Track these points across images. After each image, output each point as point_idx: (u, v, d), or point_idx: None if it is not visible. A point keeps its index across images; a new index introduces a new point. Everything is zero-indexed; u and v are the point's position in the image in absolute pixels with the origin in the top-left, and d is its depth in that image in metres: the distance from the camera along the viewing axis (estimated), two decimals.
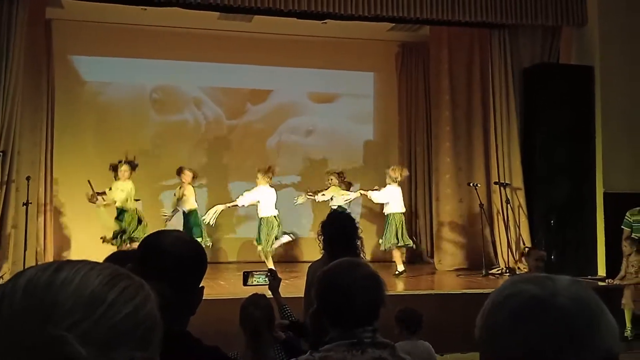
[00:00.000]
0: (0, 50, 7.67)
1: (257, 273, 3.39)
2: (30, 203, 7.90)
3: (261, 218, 8.48)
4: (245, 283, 3.32)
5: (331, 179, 9.00)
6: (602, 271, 8.57)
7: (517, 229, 8.95)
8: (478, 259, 9.14)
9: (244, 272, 3.36)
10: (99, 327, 0.75)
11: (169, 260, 1.70)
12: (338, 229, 3.97)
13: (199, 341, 1.75)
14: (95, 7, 8.55)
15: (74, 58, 10.37)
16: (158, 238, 1.82)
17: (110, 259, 2.15)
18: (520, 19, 8.91)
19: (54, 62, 9.86)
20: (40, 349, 0.71)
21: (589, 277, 8.11)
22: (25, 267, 0.83)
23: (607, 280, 7.89)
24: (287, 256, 9.94)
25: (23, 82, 8.02)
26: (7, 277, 7.48)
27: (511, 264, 8.81)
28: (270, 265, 8.13)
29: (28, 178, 7.91)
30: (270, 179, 8.61)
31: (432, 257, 10.07)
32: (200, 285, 1.77)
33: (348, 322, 2.03)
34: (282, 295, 3.55)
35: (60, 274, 0.77)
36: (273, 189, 8.62)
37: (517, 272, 8.63)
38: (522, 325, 0.92)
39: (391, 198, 8.77)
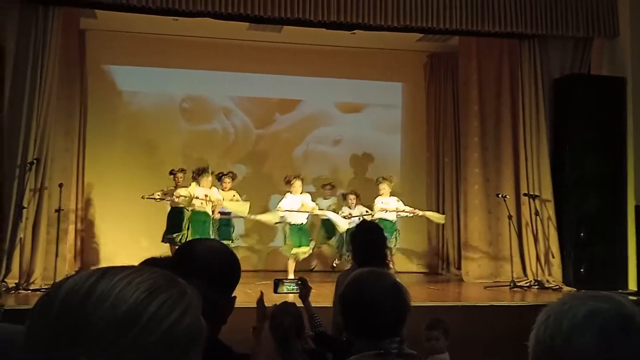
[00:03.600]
0: (35, 59, 7.83)
1: (288, 281, 3.41)
2: (62, 210, 8.03)
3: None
4: (275, 290, 3.33)
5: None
6: (633, 285, 8.44)
7: (546, 241, 8.86)
8: (505, 271, 9.06)
9: (274, 280, 3.37)
10: (135, 346, 0.72)
11: (201, 269, 1.72)
12: (367, 239, 3.99)
13: (230, 349, 1.78)
14: (127, 18, 8.71)
15: (106, 67, 10.56)
16: (192, 246, 1.86)
17: (145, 264, 2.19)
18: (550, 29, 8.86)
19: (87, 71, 10.07)
20: None
21: (619, 291, 7.98)
22: (62, 275, 0.82)
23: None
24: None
25: (57, 91, 8.18)
26: (38, 282, 7.61)
27: (539, 277, 8.71)
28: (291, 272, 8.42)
29: (60, 185, 8.04)
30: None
31: (459, 268, 10.00)
32: (232, 295, 1.80)
33: (373, 333, 2.04)
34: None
35: (98, 287, 0.75)
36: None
37: (546, 285, 8.55)
38: (614, 344, 0.92)
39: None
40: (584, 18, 8.89)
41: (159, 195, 8.99)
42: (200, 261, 1.74)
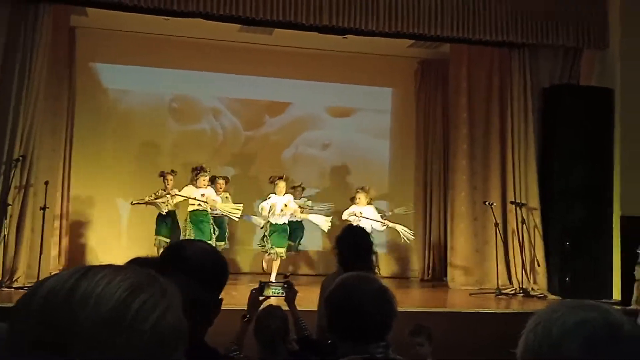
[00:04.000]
0: (24, 56, 7.78)
1: (274, 284, 3.40)
2: (48, 208, 7.97)
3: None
4: (261, 293, 3.32)
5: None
6: (617, 295, 8.49)
7: (532, 249, 8.90)
8: (491, 278, 9.09)
9: (260, 283, 3.36)
10: (119, 347, 0.72)
11: (193, 269, 1.71)
12: (353, 243, 3.99)
13: (216, 351, 1.77)
14: (118, 16, 8.66)
15: (96, 66, 10.49)
16: (181, 246, 1.84)
17: (132, 263, 2.17)
18: (540, 39, 8.92)
19: (76, 69, 10.01)
20: None
21: (604, 300, 8.03)
22: (46, 273, 0.81)
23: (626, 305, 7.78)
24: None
25: (44, 88, 8.12)
26: (21, 280, 7.54)
27: (525, 285, 8.75)
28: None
29: (46, 183, 7.98)
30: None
31: (444, 275, 10.02)
32: (219, 297, 1.79)
33: (359, 337, 2.03)
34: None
35: (79, 287, 0.74)
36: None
37: (531, 293, 8.58)
38: (599, 353, 0.92)
39: None
40: (575, 29, 8.96)
41: (149, 198, 8.93)
42: (192, 262, 1.73)
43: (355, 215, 8.86)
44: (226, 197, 9.23)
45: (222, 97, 11.07)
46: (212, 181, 9.13)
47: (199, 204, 8.68)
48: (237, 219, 9.19)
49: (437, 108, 11.11)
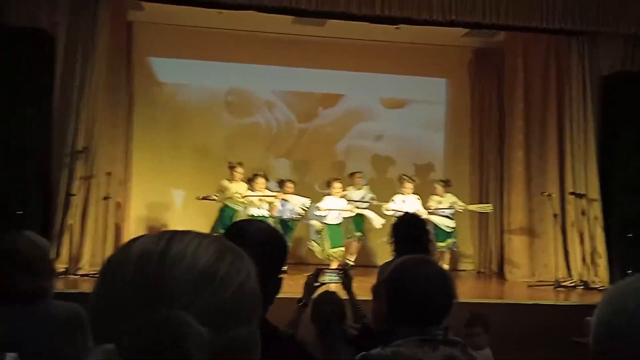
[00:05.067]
0: (84, 51, 8.02)
1: (329, 271, 3.42)
2: (110, 198, 8.21)
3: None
4: (316, 280, 3.35)
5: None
6: None
7: (592, 241, 8.70)
8: (549, 270, 8.93)
9: (315, 270, 3.40)
10: (212, 304, 0.74)
11: (253, 248, 1.73)
12: (407, 231, 3.98)
13: (277, 329, 1.81)
14: (173, 10, 8.83)
15: (152, 59, 10.71)
16: (242, 226, 1.89)
17: None
18: (600, 26, 8.68)
19: (134, 63, 10.25)
20: (157, 327, 0.70)
21: None
22: (135, 238, 0.83)
23: None
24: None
25: (104, 82, 8.36)
26: (86, 267, 7.80)
27: (585, 277, 8.56)
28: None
29: (108, 174, 8.22)
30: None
31: (502, 266, 9.87)
32: (279, 276, 1.82)
33: (419, 320, 2.03)
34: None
35: (172, 247, 0.77)
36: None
37: (592, 286, 8.39)
38: None
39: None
40: (635, 14, 8.68)
41: (216, 196, 8.87)
42: (253, 240, 1.76)
43: (395, 204, 8.99)
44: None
45: (275, 90, 11.14)
46: (282, 184, 9.14)
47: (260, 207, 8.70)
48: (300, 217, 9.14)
49: (492, 99, 10.93)
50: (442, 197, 9.35)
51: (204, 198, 8.85)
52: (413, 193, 9.13)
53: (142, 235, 0.82)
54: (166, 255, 0.76)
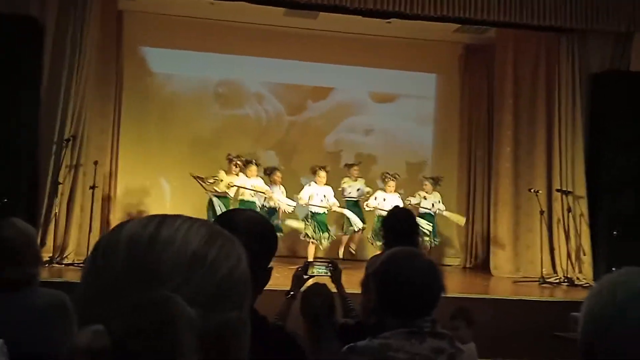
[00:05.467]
0: (73, 39, 7.97)
1: (318, 263, 3.42)
2: (97, 187, 8.17)
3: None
4: (305, 273, 3.34)
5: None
6: None
7: (578, 238, 8.76)
8: (535, 267, 8.98)
9: (304, 262, 3.39)
10: (202, 287, 0.74)
11: (242, 238, 1.72)
12: (396, 224, 3.98)
13: (265, 319, 1.80)
14: (165, 0, 8.77)
15: (142, 49, 10.64)
16: (231, 216, 1.87)
17: None
18: (590, 23, 8.71)
19: (124, 52, 10.18)
20: (146, 308, 0.69)
21: None
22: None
23: None
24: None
25: (94, 71, 8.30)
26: (71, 257, 7.76)
27: (569, 274, 8.62)
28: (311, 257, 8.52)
29: (95, 163, 8.17)
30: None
31: (487, 262, 9.92)
32: (269, 266, 1.81)
33: (407, 312, 2.04)
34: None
35: (162, 231, 0.76)
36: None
37: (576, 282, 8.46)
38: None
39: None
40: (625, 12, 8.72)
41: (209, 182, 8.88)
42: (242, 230, 1.75)
43: (376, 200, 9.13)
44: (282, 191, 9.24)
45: (266, 82, 11.12)
46: (270, 173, 9.21)
47: (252, 195, 8.75)
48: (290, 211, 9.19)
49: (482, 94, 10.97)
50: (428, 194, 9.42)
51: (197, 177, 8.85)
52: (395, 191, 9.31)
53: (131, 219, 0.81)
54: (156, 238, 0.76)
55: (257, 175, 9.04)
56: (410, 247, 2.43)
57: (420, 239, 4.08)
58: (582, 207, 8.84)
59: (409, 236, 3.92)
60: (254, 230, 1.77)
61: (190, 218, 0.81)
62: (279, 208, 9.07)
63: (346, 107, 11.32)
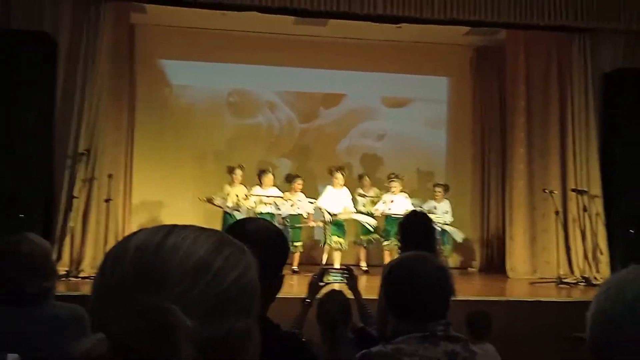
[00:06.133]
0: (86, 53, 8.04)
1: (334, 271, 3.42)
2: (111, 200, 8.22)
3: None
4: (321, 280, 3.35)
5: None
6: None
7: (594, 238, 8.70)
8: (551, 267, 8.92)
9: (320, 269, 3.40)
10: (205, 296, 0.75)
11: (253, 246, 1.74)
12: (412, 228, 3.98)
13: (279, 327, 1.81)
14: (175, 12, 8.85)
15: (155, 62, 10.71)
16: (243, 225, 1.89)
17: None
18: (601, 22, 8.67)
19: (136, 65, 10.27)
20: (145, 316, 0.71)
21: None
22: (135, 232, 0.83)
23: None
24: None
25: (107, 84, 8.38)
26: (87, 270, 7.81)
27: (587, 274, 8.55)
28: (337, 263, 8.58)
29: (110, 176, 8.23)
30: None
31: (504, 264, 9.87)
32: (281, 273, 1.82)
33: (418, 316, 2.04)
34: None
35: (169, 239, 0.78)
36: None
37: (593, 282, 8.39)
38: None
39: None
40: (636, 10, 8.67)
41: (218, 202, 8.91)
42: (253, 238, 1.76)
43: (384, 204, 9.13)
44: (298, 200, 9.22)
45: (277, 91, 11.15)
46: (290, 181, 9.28)
47: (267, 203, 8.83)
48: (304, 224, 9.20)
49: (494, 97, 10.93)
50: (439, 203, 9.37)
51: (208, 200, 8.89)
52: (402, 191, 9.28)
53: (142, 229, 0.83)
54: (162, 246, 0.77)
55: (273, 185, 9.07)
56: (424, 251, 2.43)
57: (438, 242, 4.06)
58: (598, 206, 8.78)
59: (426, 240, 3.92)
60: (264, 238, 1.79)
61: (201, 228, 0.83)
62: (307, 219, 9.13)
63: (358, 113, 11.33)
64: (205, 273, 0.77)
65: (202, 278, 0.76)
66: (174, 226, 0.82)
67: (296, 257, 8.98)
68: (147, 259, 0.76)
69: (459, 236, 9.58)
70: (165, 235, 0.79)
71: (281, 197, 8.96)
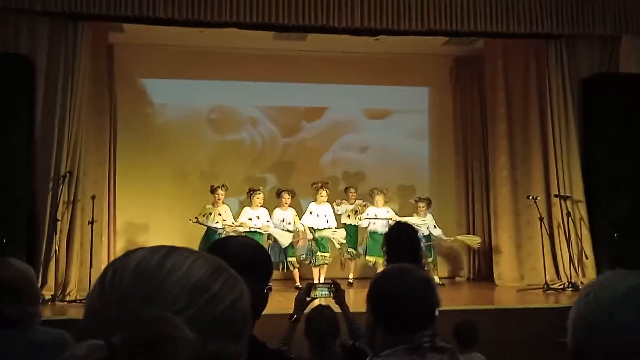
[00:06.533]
0: (65, 74, 7.99)
1: (320, 286, 3.42)
2: (95, 221, 8.15)
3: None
4: (308, 295, 3.34)
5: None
6: None
7: (579, 242, 8.75)
8: (538, 274, 8.96)
9: (307, 284, 3.40)
10: (202, 315, 0.76)
11: (236, 265, 1.73)
12: (397, 239, 3.98)
13: (264, 345, 1.80)
14: (154, 31, 8.83)
15: (134, 80, 10.67)
16: (225, 243, 1.89)
17: None
18: (577, 28, 8.78)
19: (116, 84, 10.23)
20: (147, 324, 0.72)
21: None
22: (132, 250, 0.84)
23: None
24: None
25: (87, 104, 8.33)
26: (73, 293, 7.72)
27: (573, 279, 8.60)
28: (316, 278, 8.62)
29: (93, 197, 8.16)
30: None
31: (490, 272, 9.90)
32: (265, 291, 1.82)
33: (403, 328, 2.03)
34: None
35: (169, 259, 0.80)
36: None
37: (580, 287, 8.43)
38: None
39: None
40: (611, 15, 8.80)
41: (203, 222, 8.90)
42: (236, 256, 1.76)
43: (368, 217, 9.19)
44: (295, 215, 9.26)
45: (259, 106, 11.14)
46: (278, 195, 9.26)
47: (254, 225, 8.82)
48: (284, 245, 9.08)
49: (475, 105, 11.03)
50: (423, 218, 9.37)
51: (197, 222, 8.87)
52: (385, 204, 9.39)
53: (141, 247, 0.85)
54: (163, 264, 0.79)
55: (260, 205, 9.04)
56: (410, 262, 2.42)
57: (423, 254, 4.07)
58: (582, 211, 8.85)
59: (412, 251, 3.92)
60: (247, 255, 1.78)
61: (197, 252, 0.85)
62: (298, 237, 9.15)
63: (340, 125, 11.35)
64: (203, 294, 0.78)
65: (201, 298, 0.78)
66: (173, 247, 0.84)
67: (296, 273, 8.98)
68: (148, 273, 0.78)
69: (475, 241, 9.66)
70: (166, 253, 0.81)
71: (257, 229, 8.86)
